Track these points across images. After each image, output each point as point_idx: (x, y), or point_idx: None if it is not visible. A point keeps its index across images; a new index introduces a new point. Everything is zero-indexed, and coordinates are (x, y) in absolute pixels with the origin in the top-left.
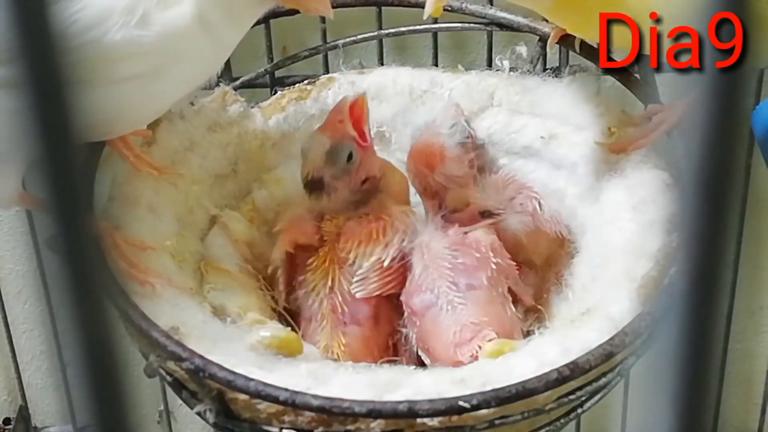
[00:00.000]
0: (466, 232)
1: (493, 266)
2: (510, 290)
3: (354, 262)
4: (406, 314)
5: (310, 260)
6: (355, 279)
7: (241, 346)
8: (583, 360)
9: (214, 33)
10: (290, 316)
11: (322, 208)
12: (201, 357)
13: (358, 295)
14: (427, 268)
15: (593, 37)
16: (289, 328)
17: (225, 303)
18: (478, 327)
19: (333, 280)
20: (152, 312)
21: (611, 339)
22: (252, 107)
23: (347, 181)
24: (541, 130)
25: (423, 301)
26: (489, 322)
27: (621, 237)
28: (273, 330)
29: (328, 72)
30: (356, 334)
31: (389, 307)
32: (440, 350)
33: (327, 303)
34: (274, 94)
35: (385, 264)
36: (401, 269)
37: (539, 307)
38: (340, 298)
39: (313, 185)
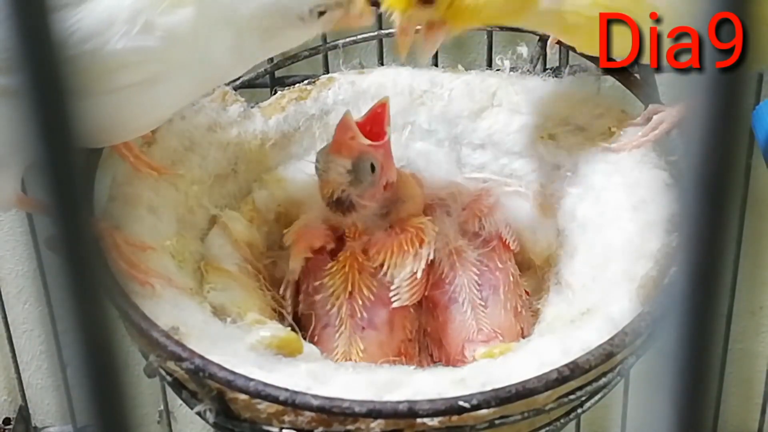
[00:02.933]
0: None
1: (511, 278)
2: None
3: (386, 273)
4: (425, 308)
5: (329, 265)
6: (392, 290)
7: (241, 346)
8: (583, 360)
9: (218, 37)
10: (298, 320)
11: (347, 223)
12: (201, 357)
13: (395, 305)
14: (456, 268)
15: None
16: (289, 328)
17: (225, 303)
18: (492, 334)
19: (353, 285)
20: (152, 312)
21: (611, 339)
22: (252, 107)
23: (373, 193)
24: (542, 130)
25: (447, 295)
26: (503, 332)
27: (621, 237)
28: (273, 330)
29: (328, 72)
30: (372, 339)
31: (404, 314)
32: (452, 344)
33: (346, 308)
34: (274, 94)
35: (418, 276)
36: (426, 275)
37: (539, 307)
38: (360, 303)
39: (339, 205)
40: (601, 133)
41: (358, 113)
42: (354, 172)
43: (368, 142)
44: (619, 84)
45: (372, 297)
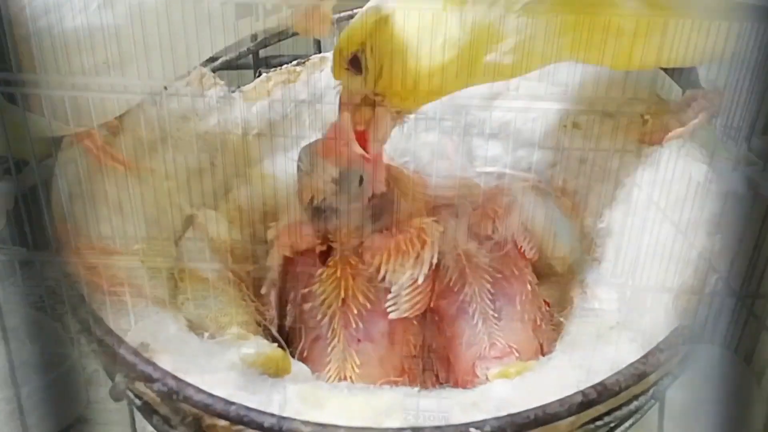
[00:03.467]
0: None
1: (529, 287)
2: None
3: (384, 278)
4: (430, 321)
5: (319, 271)
6: (389, 298)
7: (221, 364)
8: (612, 381)
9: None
10: (286, 335)
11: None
12: (174, 377)
13: (391, 316)
14: (465, 275)
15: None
16: (276, 344)
17: (202, 315)
18: (507, 350)
19: (346, 291)
20: (119, 326)
21: (644, 357)
22: (233, 91)
23: (357, 204)
24: (564, 118)
25: (455, 306)
26: (519, 348)
27: (655, 240)
28: (257, 346)
29: (320, 51)
30: (370, 353)
31: (406, 325)
32: (461, 362)
33: (339, 317)
34: (259, 76)
35: (419, 281)
36: (431, 283)
37: (561, 320)
38: (354, 312)
39: (321, 213)
40: (633, 121)
41: None
42: (340, 182)
43: (362, 152)
44: None
45: (368, 305)
